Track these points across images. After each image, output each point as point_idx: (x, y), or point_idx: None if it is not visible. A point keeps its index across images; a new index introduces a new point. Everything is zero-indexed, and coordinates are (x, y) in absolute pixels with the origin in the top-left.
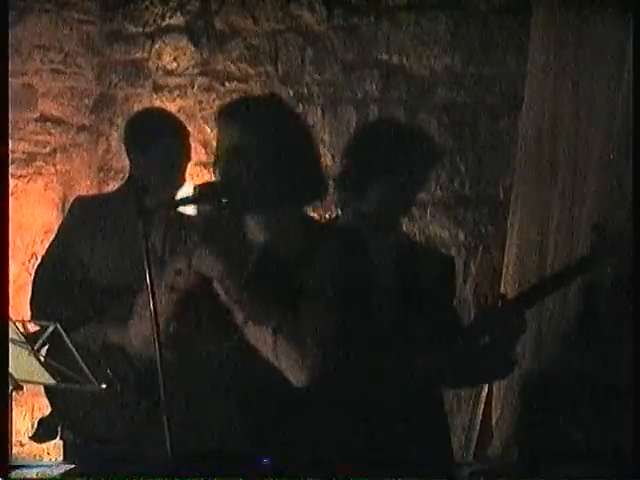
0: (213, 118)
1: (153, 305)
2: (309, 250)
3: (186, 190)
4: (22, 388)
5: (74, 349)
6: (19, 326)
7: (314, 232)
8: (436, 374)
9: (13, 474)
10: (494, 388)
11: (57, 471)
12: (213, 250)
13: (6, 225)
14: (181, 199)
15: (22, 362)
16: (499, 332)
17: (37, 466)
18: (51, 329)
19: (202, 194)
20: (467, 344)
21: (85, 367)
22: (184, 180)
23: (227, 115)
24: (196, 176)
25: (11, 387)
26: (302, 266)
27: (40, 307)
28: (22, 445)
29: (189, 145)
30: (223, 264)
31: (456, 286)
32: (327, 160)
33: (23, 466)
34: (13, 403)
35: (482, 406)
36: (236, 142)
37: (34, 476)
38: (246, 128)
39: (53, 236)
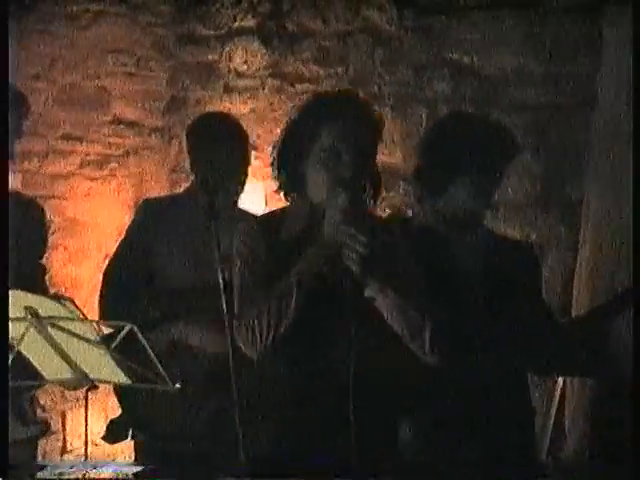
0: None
1: (225, 304)
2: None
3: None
4: (97, 388)
5: (150, 350)
6: (95, 326)
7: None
8: (527, 366)
9: (92, 473)
10: (567, 389)
11: (130, 471)
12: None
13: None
14: None
15: (98, 362)
16: (600, 331)
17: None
18: (127, 329)
19: None
20: (565, 337)
21: (160, 367)
22: (245, 182)
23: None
24: (268, 177)
25: (86, 387)
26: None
27: (110, 307)
28: (96, 445)
29: (248, 148)
30: None
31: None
32: (398, 160)
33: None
34: (88, 403)
35: (555, 407)
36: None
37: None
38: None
39: (122, 237)
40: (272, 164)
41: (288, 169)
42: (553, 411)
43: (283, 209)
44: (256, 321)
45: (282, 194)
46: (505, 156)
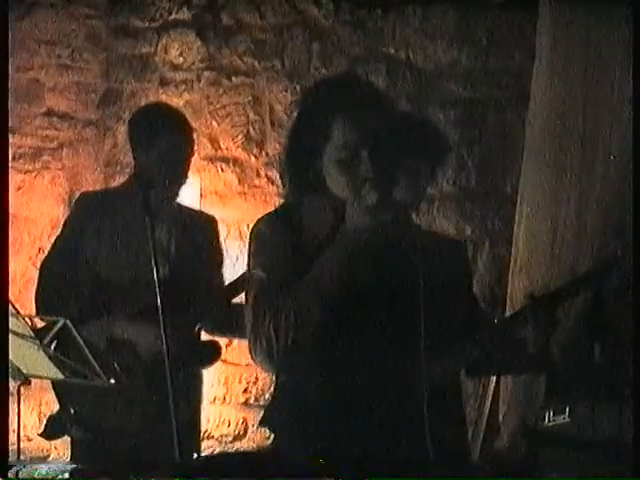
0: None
1: (160, 299)
2: None
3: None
4: (30, 383)
5: (83, 344)
6: (27, 321)
7: None
8: (459, 365)
9: (21, 473)
10: (501, 382)
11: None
12: None
13: (6, 221)
14: None
15: (31, 357)
16: (531, 329)
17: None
18: (60, 324)
19: None
20: (498, 335)
21: (94, 362)
22: (187, 175)
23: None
24: (203, 171)
25: (19, 382)
26: None
27: (46, 302)
28: (29, 440)
29: (193, 140)
30: None
31: (472, 272)
32: None
33: (29, 463)
34: (21, 398)
35: (489, 401)
36: None
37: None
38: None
39: (59, 231)
40: (280, 162)
41: (300, 169)
42: (487, 406)
43: (299, 207)
44: (273, 332)
45: (291, 195)
46: (434, 155)
